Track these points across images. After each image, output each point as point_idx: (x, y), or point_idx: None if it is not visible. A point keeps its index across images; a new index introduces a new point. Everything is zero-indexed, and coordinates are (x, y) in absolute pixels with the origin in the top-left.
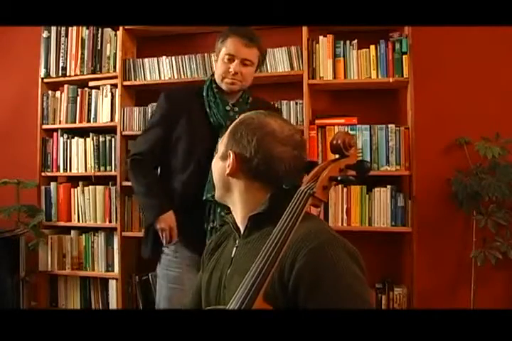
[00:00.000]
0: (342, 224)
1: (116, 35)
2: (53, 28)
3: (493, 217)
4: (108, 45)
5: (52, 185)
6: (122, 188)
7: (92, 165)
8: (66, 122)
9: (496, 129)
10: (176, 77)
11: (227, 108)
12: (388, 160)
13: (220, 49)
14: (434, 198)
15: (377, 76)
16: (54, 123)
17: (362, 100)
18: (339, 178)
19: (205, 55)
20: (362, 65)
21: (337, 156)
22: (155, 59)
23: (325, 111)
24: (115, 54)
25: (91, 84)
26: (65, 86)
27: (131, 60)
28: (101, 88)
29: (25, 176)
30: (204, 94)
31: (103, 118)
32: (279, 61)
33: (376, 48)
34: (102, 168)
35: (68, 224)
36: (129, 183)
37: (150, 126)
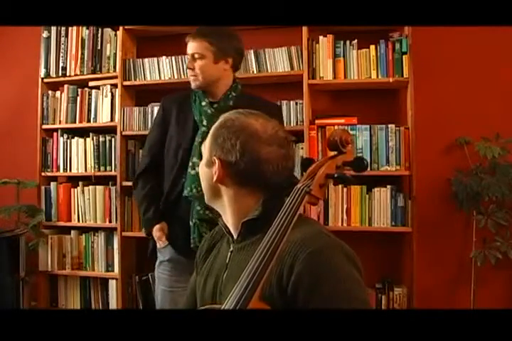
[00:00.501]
0: (342, 224)
1: (116, 35)
2: (53, 28)
3: (493, 217)
4: (108, 45)
5: (52, 185)
6: (122, 188)
7: (92, 165)
8: (66, 122)
9: (496, 129)
10: (175, 77)
11: (203, 104)
12: (388, 160)
13: None
14: (434, 198)
15: (377, 76)
16: (54, 123)
17: (362, 100)
18: (336, 175)
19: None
20: (362, 65)
21: (334, 153)
22: (155, 59)
23: (325, 111)
24: (115, 54)
25: (91, 84)
26: (65, 86)
27: (131, 60)
28: (101, 88)
29: (25, 176)
30: (192, 95)
31: (103, 118)
32: (279, 61)
33: (376, 48)
34: (102, 168)
35: (68, 224)
36: (129, 183)
37: (149, 131)
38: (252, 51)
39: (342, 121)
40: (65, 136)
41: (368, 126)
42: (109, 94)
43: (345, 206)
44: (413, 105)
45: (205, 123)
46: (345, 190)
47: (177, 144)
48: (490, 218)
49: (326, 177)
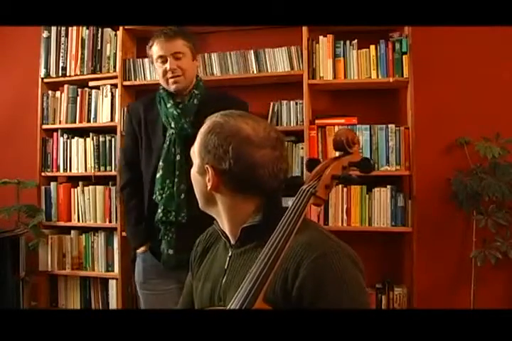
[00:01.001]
0: (342, 224)
1: (116, 35)
2: (53, 28)
3: (493, 217)
4: (108, 45)
5: (52, 185)
6: None
7: (92, 165)
8: (66, 122)
9: (496, 129)
10: None
11: (168, 105)
12: (388, 160)
13: (151, 55)
14: (434, 198)
15: (377, 76)
16: (54, 123)
17: (362, 100)
18: (342, 177)
19: (205, 55)
20: (362, 64)
21: (339, 153)
22: None
23: (325, 111)
24: (115, 54)
25: (91, 84)
26: (65, 86)
27: (131, 60)
28: (101, 88)
29: (25, 176)
30: (156, 98)
31: (103, 118)
32: (279, 61)
33: (376, 48)
34: (102, 168)
35: (68, 224)
36: None
37: (124, 142)
38: (252, 51)
39: (342, 121)
40: (65, 136)
41: (368, 126)
42: (109, 94)
43: (345, 206)
44: (413, 105)
45: (173, 125)
46: (345, 190)
47: (149, 149)
48: (490, 218)
49: (332, 178)
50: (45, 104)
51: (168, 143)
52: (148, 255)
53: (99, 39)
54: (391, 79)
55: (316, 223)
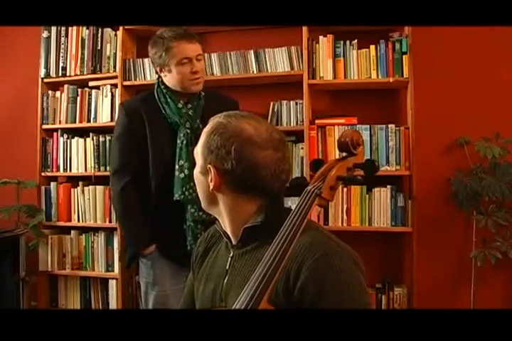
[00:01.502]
0: (342, 224)
1: (116, 35)
2: (53, 28)
3: (493, 216)
4: (108, 45)
5: (52, 185)
6: None
7: (92, 165)
8: (66, 122)
9: (496, 129)
10: None
11: (179, 105)
12: (388, 160)
13: (169, 59)
14: (434, 198)
15: (377, 76)
16: (54, 123)
17: (362, 100)
18: (347, 178)
19: (205, 55)
20: (362, 65)
21: (344, 154)
22: None
23: (325, 111)
24: (115, 54)
25: (91, 84)
26: (65, 86)
27: (131, 60)
28: (101, 88)
29: (25, 176)
30: (156, 97)
31: (103, 118)
32: (279, 61)
33: (376, 48)
34: (102, 168)
35: (68, 224)
36: None
37: (116, 144)
38: (252, 51)
39: (342, 121)
40: (65, 136)
41: (368, 126)
42: (109, 94)
43: (345, 206)
44: (413, 105)
45: (188, 125)
46: (345, 190)
47: (157, 149)
48: (490, 218)
49: (337, 179)
50: (45, 104)
51: (185, 142)
52: (157, 255)
53: (99, 39)
54: (391, 79)
55: (317, 223)
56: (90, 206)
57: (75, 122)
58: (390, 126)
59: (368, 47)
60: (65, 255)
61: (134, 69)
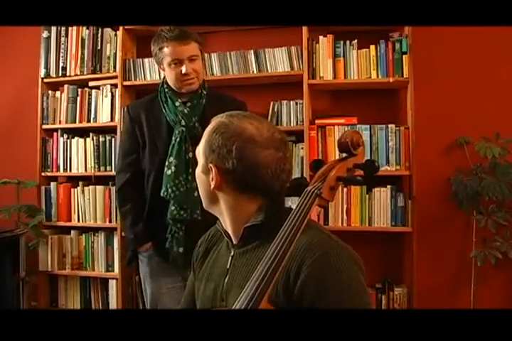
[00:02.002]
0: (342, 224)
1: (116, 35)
2: (53, 28)
3: (493, 216)
4: (108, 45)
5: (52, 185)
6: None
7: (92, 165)
8: (66, 122)
9: (496, 129)
10: None
11: (177, 104)
12: (388, 160)
13: (162, 58)
14: (434, 198)
15: (377, 76)
16: (54, 123)
17: (362, 100)
18: (347, 178)
19: (205, 55)
20: (362, 65)
21: (344, 155)
22: None
23: (325, 111)
24: (115, 54)
25: (91, 84)
26: (65, 86)
27: (131, 60)
28: (101, 88)
29: (25, 176)
30: (159, 96)
31: (103, 118)
32: (279, 61)
33: (376, 48)
34: (102, 168)
35: (68, 224)
36: None
37: (121, 142)
38: (252, 51)
39: (342, 121)
40: (65, 136)
41: (368, 126)
42: (109, 94)
43: (345, 206)
44: (413, 105)
45: (183, 123)
46: (345, 190)
47: (153, 147)
48: (490, 218)
49: (336, 179)
50: (45, 104)
51: (178, 140)
52: (153, 253)
53: (99, 39)
54: (391, 79)
55: (317, 223)
56: (90, 206)
57: (75, 122)
58: (390, 126)
59: (368, 47)
60: (65, 255)
61: (134, 69)
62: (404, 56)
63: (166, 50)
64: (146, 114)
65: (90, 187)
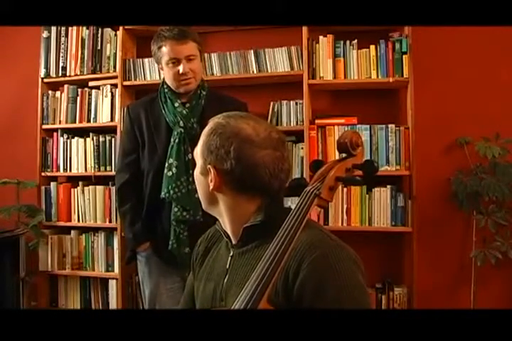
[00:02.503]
0: (342, 224)
1: (116, 35)
2: (53, 28)
3: (493, 216)
4: (108, 45)
5: (52, 185)
6: None
7: (92, 165)
8: (66, 122)
9: (496, 129)
10: None
11: (176, 105)
12: (388, 160)
13: (160, 57)
14: (434, 198)
15: (377, 76)
16: (54, 123)
17: (362, 100)
18: (346, 179)
19: (205, 55)
20: (362, 65)
21: (344, 155)
22: None
23: (325, 111)
24: (115, 54)
25: (91, 84)
26: (65, 86)
27: (131, 60)
28: (101, 88)
29: (25, 176)
30: (158, 96)
31: (103, 118)
32: (279, 61)
33: (376, 48)
34: (102, 168)
35: (68, 224)
36: None
37: (120, 143)
38: (252, 51)
39: (342, 121)
40: (65, 136)
41: (368, 126)
42: (109, 94)
43: (345, 206)
44: (413, 105)
45: (182, 124)
46: (345, 190)
47: (152, 148)
48: (490, 218)
49: (335, 179)
50: (45, 104)
51: (177, 141)
52: (151, 253)
53: (99, 39)
54: (391, 79)
55: (317, 223)
56: (90, 206)
57: (75, 122)
58: (390, 126)
59: (368, 47)
60: (65, 255)
61: (134, 69)
62: (404, 56)
63: (164, 49)
64: (146, 114)
65: (90, 187)
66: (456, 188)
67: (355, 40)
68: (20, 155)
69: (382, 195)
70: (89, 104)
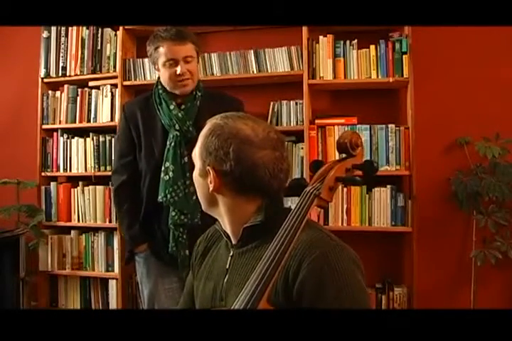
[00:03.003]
0: (342, 224)
1: (116, 35)
2: (53, 28)
3: (493, 216)
4: (108, 45)
5: (52, 185)
6: None
7: (92, 165)
8: (66, 122)
9: (496, 129)
10: None
11: (171, 107)
12: (388, 160)
13: (157, 58)
14: (434, 198)
15: (377, 76)
16: (54, 123)
17: (362, 100)
18: (346, 179)
19: (205, 54)
20: (362, 64)
21: (343, 156)
22: None
23: (325, 111)
24: (115, 54)
25: (91, 84)
26: (65, 86)
27: (131, 60)
28: (101, 88)
29: (25, 176)
30: (152, 97)
31: (103, 118)
32: (279, 61)
33: (376, 48)
34: (102, 168)
35: (68, 224)
36: None
37: (116, 143)
38: (252, 51)
39: (342, 121)
40: (65, 136)
41: (368, 126)
42: (109, 94)
43: (345, 206)
44: (413, 105)
45: (177, 127)
46: (345, 190)
47: (149, 151)
48: (490, 218)
49: (335, 180)
50: (45, 104)
51: (173, 144)
52: (149, 254)
53: (99, 39)
54: (391, 79)
55: (317, 223)
56: (90, 206)
57: (75, 122)
58: (390, 126)
59: (368, 47)
60: (65, 255)
61: (134, 69)
62: (404, 56)
63: (161, 49)
64: (142, 115)
65: (90, 187)
66: (456, 188)
67: (355, 40)
68: (20, 155)
69: (382, 194)
70: (89, 104)
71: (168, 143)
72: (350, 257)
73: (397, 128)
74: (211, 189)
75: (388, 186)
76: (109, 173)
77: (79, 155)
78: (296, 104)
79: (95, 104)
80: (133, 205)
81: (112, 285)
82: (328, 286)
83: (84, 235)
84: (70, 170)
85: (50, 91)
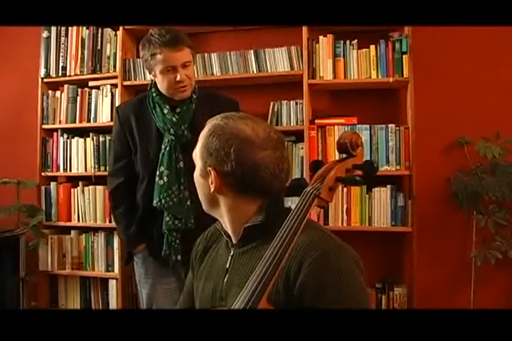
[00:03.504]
0: (342, 224)
1: (116, 35)
2: (53, 28)
3: (493, 216)
4: (108, 45)
5: (52, 185)
6: None
7: (92, 165)
8: (66, 122)
9: (496, 129)
10: None
11: (165, 111)
12: (388, 160)
13: (154, 65)
14: (434, 198)
15: (377, 76)
16: (54, 123)
17: (362, 100)
18: (346, 179)
19: (205, 54)
20: (362, 64)
21: (344, 156)
22: None
23: (325, 111)
24: (115, 54)
25: (91, 84)
26: (65, 86)
27: (131, 60)
28: (101, 88)
29: (25, 176)
30: (146, 101)
31: (103, 118)
32: (279, 61)
33: (376, 48)
34: (102, 168)
35: (68, 224)
36: None
37: (112, 146)
38: (252, 51)
39: (342, 121)
40: (65, 135)
41: (368, 126)
42: (109, 94)
43: (345, 206)
44: (413, 105)
45: (172, 131)
46: (345, 190)
47: (144, 154)
48: (490, 218)
49: (335, 180)
50: (45, 103)
51: (168, 149)
52: (146, 254)
53: (99, 39)
54: (391, 79)
55: (317, 223)
56: (90, 206)
57: (75, 122)
58: (390, 126)
59: (368, 47)
60: (65, 255)
61: (134, 69)
62: (404, 56)
63: (158, 56)
64: (136, 118)
65: (90, 187)
66: (456, 188)
67: (355, 40)
68: (20, 155)
69: (382, 194)
70: (89, 104)
71: (163, 147)
72: (350, 257)
73: (397, 128)
74: (212, 189)
75: (388, 186)
76: None
77: (79, 155)
78: (296, 103)
79: (95, 104)
80: (129, 207)
81: (112, 285)
82: (328, 286)
83: (84, 235)
84: (70, 170)
85: (50, 91)
